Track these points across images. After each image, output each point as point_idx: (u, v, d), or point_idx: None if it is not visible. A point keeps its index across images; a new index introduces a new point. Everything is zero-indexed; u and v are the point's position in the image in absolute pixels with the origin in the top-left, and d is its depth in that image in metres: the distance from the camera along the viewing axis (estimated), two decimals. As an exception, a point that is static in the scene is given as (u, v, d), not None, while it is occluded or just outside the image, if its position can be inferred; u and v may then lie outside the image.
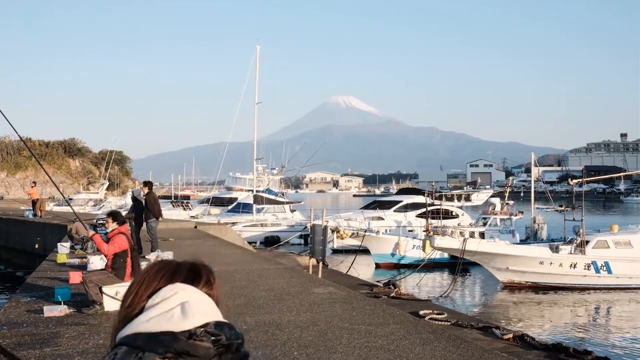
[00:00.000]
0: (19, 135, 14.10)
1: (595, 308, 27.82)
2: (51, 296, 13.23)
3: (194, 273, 2.49)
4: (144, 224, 21.82)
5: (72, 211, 15.97)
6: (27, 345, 9.57)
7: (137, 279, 2.47)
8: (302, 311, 12.51)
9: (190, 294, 2.43)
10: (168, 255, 16.44)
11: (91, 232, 13.76)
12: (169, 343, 2.25)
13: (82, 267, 16.55)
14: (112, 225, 13.31)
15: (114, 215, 13.70)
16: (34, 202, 41.99)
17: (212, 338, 2.34)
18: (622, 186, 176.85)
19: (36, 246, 30.38)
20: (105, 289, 12.19)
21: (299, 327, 11.01)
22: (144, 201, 21.92)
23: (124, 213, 17.43)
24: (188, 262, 2.51)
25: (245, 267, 18.95)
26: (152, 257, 16.18)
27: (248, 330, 10.72)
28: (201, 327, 2.31)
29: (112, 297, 12.10)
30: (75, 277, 14.93)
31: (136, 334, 2.32)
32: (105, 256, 13.30)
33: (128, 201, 35.54)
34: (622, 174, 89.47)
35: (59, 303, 12.27)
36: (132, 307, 2.39)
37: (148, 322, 2.29)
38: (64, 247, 21.06)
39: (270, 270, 18.49)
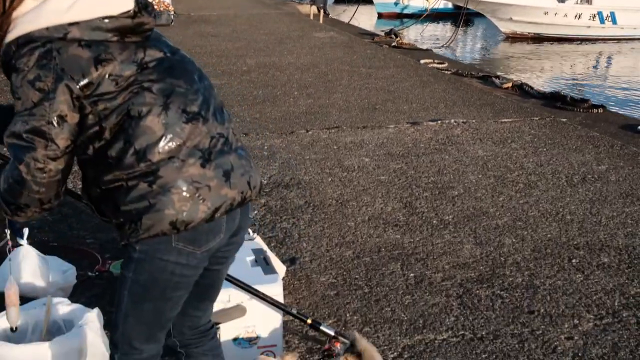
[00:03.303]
0: None
1: (596, 59, 27.78)
2: None
3: None
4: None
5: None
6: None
7: None
8: (303, 54, 12.46)
9: None
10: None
11: None
12: (113, 25, 2.02)
13: None
14: None
15: None
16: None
17: (146, 10, 2.11)
18: None
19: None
20: None
21: (299, 69, 11.02)
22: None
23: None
24: None
25: (245, 12, 18.59)
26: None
27: (249, 71, 10.74)
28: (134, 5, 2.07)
29: None
30: None
31: (53, 28, 1.98)
32: None
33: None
34: None
35: None
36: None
37: (68, 11, 1.99)
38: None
39: (271, 15, 18.18)
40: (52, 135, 1.98)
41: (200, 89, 2.19)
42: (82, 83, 1.96)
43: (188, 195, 2.04)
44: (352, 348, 2.84)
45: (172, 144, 2.04)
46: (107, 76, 1.98)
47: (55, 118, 1.96)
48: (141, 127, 2.01)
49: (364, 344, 2.81)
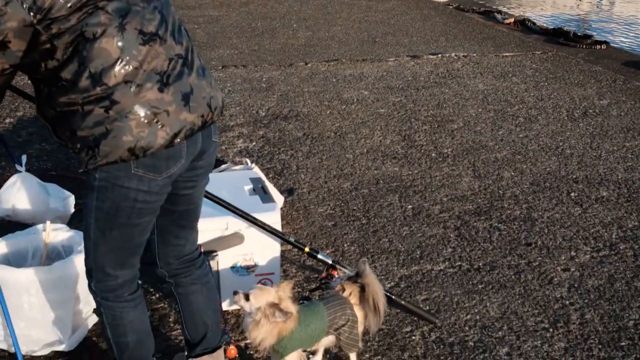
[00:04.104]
0: None
1: (599, -4, 27.32)
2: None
3: None
4: None
5: None
6: None
7: None
8: (302, -14, 12.25)
9: None
10: None
11: None
12: None
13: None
14: None
15: None
16: None
17: None
18: None
19: None
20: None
21: (298, 1, 10.85)
22: None
23: None
24: None
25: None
26: None
27: (247, 3, 10.57)
28: None
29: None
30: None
31: None
32: None
33: None
34: None
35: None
36: None
37: None
38: None
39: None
40: None
41: (158, 6, 2.06)
42: (33, 9, 1.86)
43: (146, 121, 1.97)
44: (356, 277, 2.83)
45: (129, 67, 1.94)
46: None
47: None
48: (96, 49, 1.91)
49: (371, 278, 2.81)
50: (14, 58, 1.93)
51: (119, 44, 1.93)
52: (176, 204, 2.30)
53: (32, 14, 1.85)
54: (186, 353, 2.65)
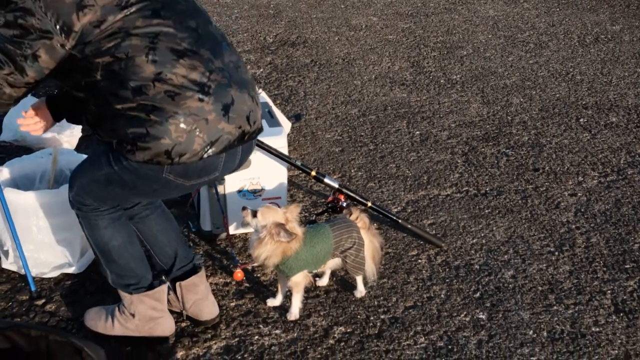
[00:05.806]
0: None
1: None
2: None
3: None
4: None
5: None
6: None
7: None
8: None
9: None
10: None
11: None
12: None
13: None
14: None
15: None
16: None
17: None
18: None
19: None
20: None
21: None
22: None
23: None
24: None
25: None
26: None
27: None
28: None
29: None
30: None
31: None
32: None
33: None
34: None
35: None
36: None
37: None
38: None
39: None
40: (20, 67, 2.03)
41: (192, 25, 2.13)
42: (64, 33, 1.98)
43: (185, 126, 2.03)
44: (366, 210, 2.85)
45: (165, 79, 2.02)
46: (88, 24, 1.97)
47: (30, 55, 2.00)
48: (131, 67, 2.00)
49: (373, 231, 2.88)
50: (40, 73, 2.06)
51: (153, 59, 2.01)
52: None
53: (63, 35, 1.98)
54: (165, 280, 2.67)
